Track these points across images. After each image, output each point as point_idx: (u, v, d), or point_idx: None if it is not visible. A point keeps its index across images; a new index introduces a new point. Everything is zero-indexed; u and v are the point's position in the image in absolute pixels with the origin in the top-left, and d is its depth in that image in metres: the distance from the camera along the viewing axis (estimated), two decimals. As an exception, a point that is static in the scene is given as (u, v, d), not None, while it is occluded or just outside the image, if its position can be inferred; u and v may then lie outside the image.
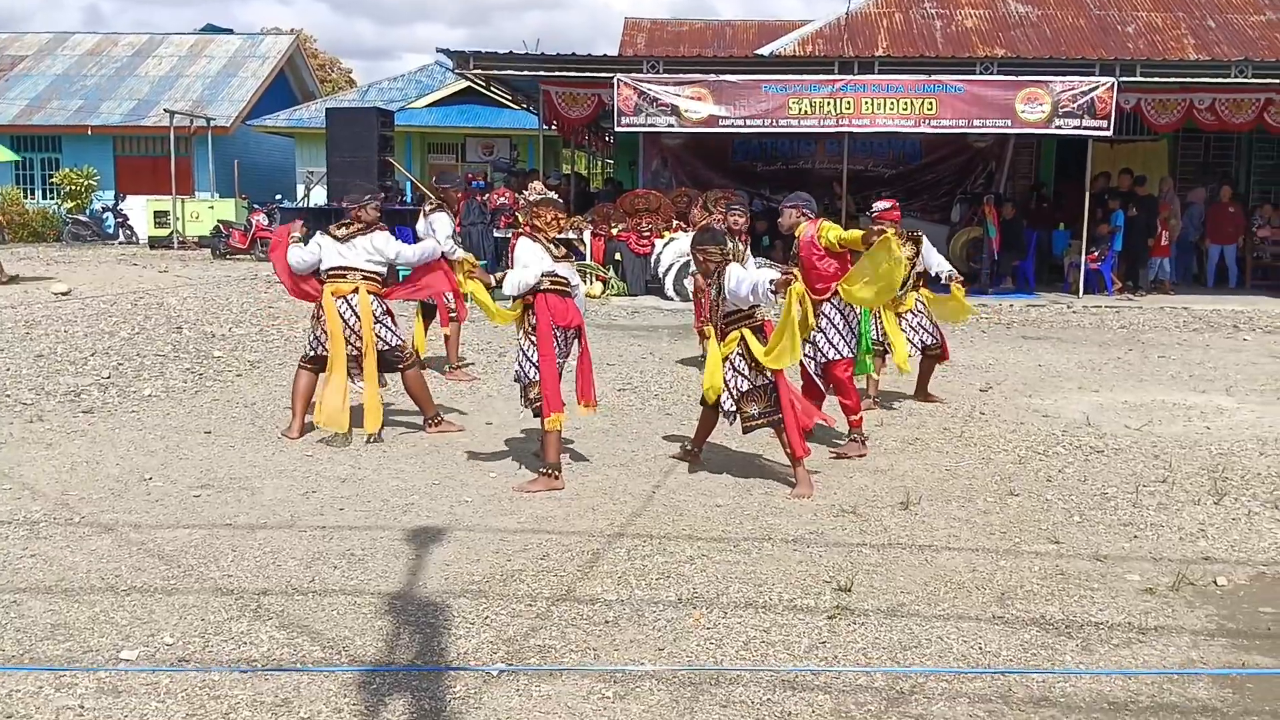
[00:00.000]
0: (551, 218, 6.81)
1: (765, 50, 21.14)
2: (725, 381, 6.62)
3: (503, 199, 19.14)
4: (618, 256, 17.14)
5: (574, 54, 17.72)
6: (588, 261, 17.15)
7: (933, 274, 9.20)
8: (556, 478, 6.56)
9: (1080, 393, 9.70)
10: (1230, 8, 22.35)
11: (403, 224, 18.15)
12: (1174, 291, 17.54)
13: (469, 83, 24.58)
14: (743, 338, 6.60)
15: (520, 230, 7.02)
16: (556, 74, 17.66)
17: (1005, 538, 5.69)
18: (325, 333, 7.66)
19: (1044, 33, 21.48)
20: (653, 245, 16.83)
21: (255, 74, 32.38)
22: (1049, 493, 6.51)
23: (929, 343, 9.05)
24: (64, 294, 15.65)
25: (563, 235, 7.05)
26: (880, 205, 8.91)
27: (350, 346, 7.65)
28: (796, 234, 7.70)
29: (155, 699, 3.81)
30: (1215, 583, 5.06)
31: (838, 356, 7.52)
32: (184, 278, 18.87)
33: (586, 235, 17.18)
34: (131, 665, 4.07)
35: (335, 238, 7.76)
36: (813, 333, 7.43)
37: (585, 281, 16.74)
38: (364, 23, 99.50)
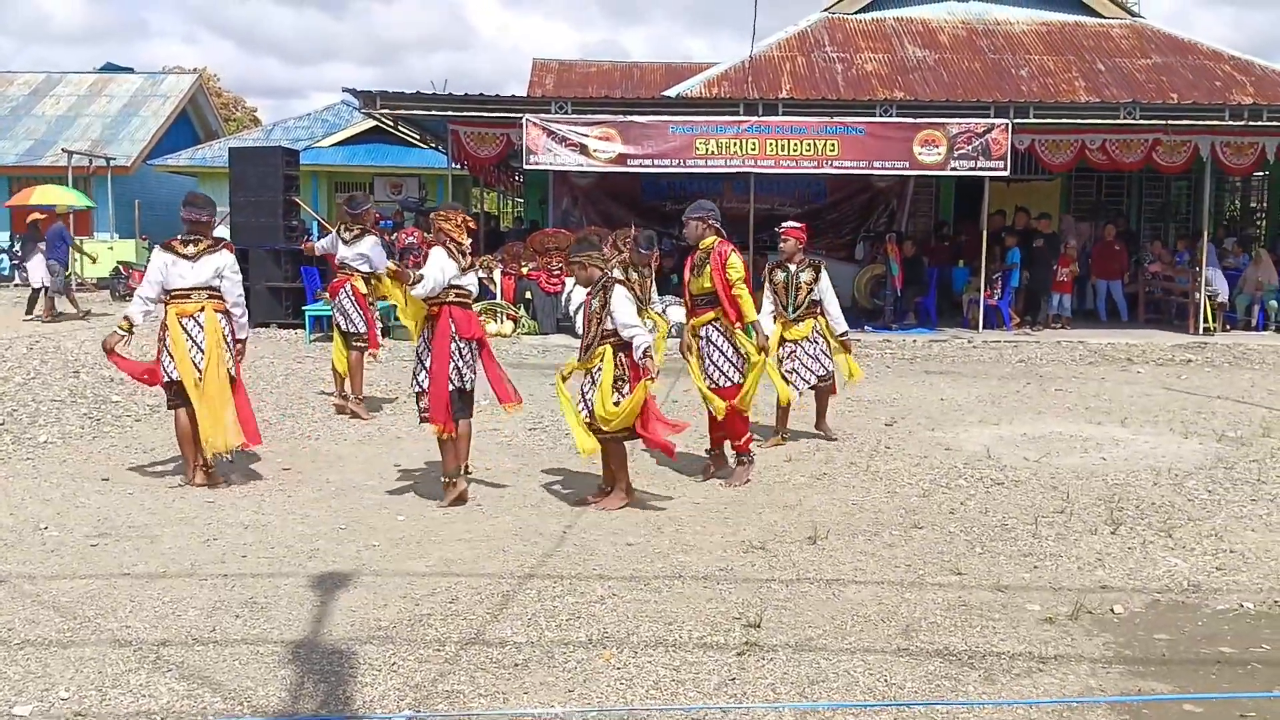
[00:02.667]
0: (460, 221, 7.04)
1: (672, 91, 21.41)
2: (583, 392, 6.85)
3: (411, 238, 19.02)
4: (528, 295, 17.14)
5: (482, 94, 17.73)
6: (498, 300, 17.11)
7: (827, 313, 9.11)
8: (456, 484, 6.88)
9: (981, 426, 9.92)
10: (1119, 52, 23.22)
11: (308, 264, 18.01)
12: (1069, 326, 18.05)
13: (376, 122, 24.46)
14: (604, 355, 6.75)
15: (431, 240, 7.17)
16: (465, 114, 17.65)
17: (910, 570, 5.78)
18: (171, 357, 7.45)
19: (940, 76, 22.07)
20: (563, 284, 16.84)
21: (156, 113, 31.85)
22: (952, 525, 6.64)
23: (821, 374, 9.06)
24: (-46, 338, 15.13)
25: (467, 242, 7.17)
26: (789, 223, 9.12)
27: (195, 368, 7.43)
28: (703, 245, 7.67)
29: (48, 757, 3.69)
30: (1112, 611, 5.19)
31: (727, 383, 7.58)
32: (81, 320, 18.38)
33: (497, 274, 17.16)
34: (23, 723, 3.94)
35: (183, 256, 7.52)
36: (703, 357, 7.66)
37: (496, 320, 16.76)
38: (271, 61, 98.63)
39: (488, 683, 4.31)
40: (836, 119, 17.04)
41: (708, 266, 7.58)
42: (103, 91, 32.96)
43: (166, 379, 7.55)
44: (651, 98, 20.70)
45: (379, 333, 10.72)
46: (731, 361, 7.60)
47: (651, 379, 6.61)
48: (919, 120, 16.96)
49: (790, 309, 9.03)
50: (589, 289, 6.94)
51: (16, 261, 27.43)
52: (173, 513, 6.81)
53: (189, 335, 7.46)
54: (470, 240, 7.22)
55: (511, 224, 26.61)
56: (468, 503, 7.05)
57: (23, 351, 13.91)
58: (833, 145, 16.81)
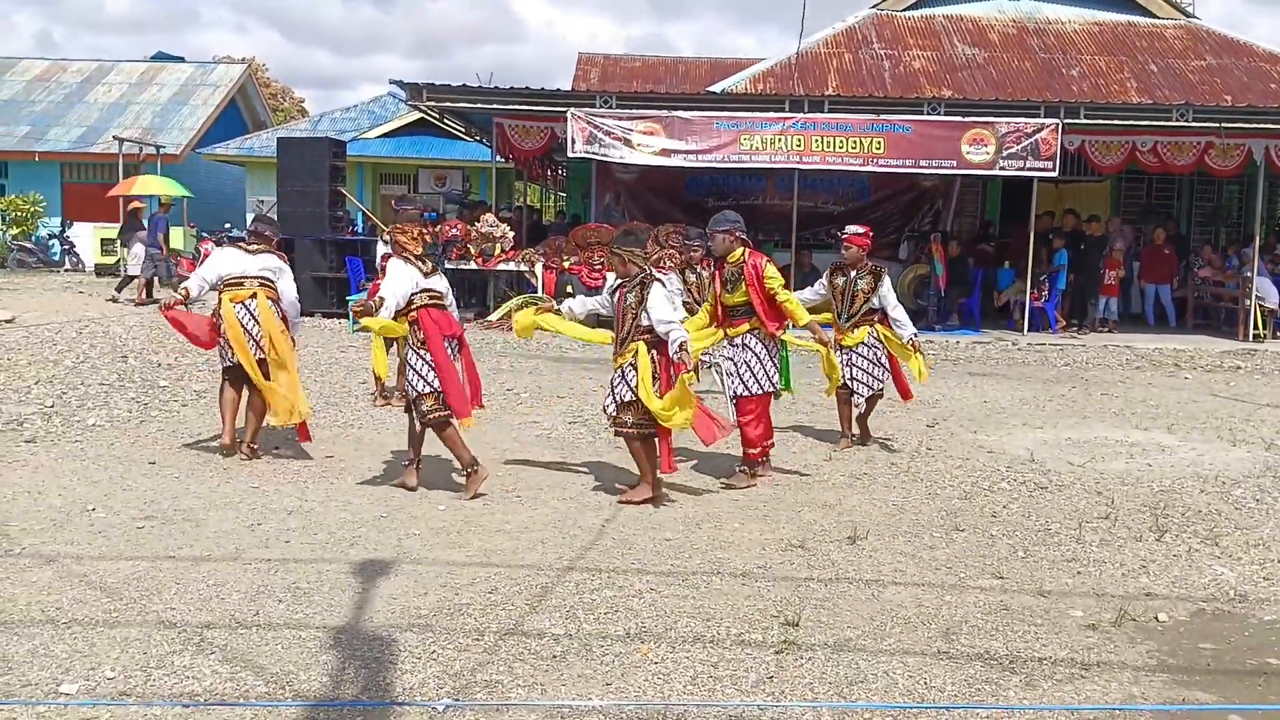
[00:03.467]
0: (416, 234, 7.29)
1: (717, 87, 21.38)
2: (612, 385, 6.87)
3: (454, 230, 19.12)
4: (569, 289, 17.16)
5: (527, 88, 17.80)
6: (539, 294, 17.15)
7: (891, 319, 8.75)
8: (479, 471, 7.03)
9: (1025, 429, 9.83)
10: (1172, 53, 22.92)
11: (353, 254, 18.14)
12: (1116, 330, 17.86)
13: (422, 114, 24.60)
14: (638, 351, 6.74)
15: (389, 253, 7.42)
16: (510, 107, 17.73)
17: (951, 573, 5.74)
18: (228, 344, 7.93)
19: (990, 75, 21.89)
20: (604, 278, 16.82)
21: (206, 102, 32.17)
22: (994, 528, 6.59)
23: (877, 387, 8.81)
24: (8, 322, 15.39)
25: (424, 250, 7.38)
26: (853, 229, 8.90)
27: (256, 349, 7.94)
28: (731, 259, 7.57)
29: (94, 735, 3.75)
30: (1156, 619, 5.13)
31: (759, 391, 7.52)
32: (130, 305, 18.63)
33: (538, 268, 17.21)
34: (71, 699, 4.00)
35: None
36: (735, 364, 7.57)
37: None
38: (320, 52, 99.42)
39: (526, 674, 4.33)
40: (883, 117, 16.95)
41: (742, 281, 7.49)
42: (154, 80, 33.34)
43: (226, 364, 8.07)
44: (696, 93, 20.72)
45: None
46: (766, 371, 7.52)
47: (689, 371, 6.59)
48: (967, 119, 16.83)
49: (845, 316, 8.80)
50: (623, 282, 6.95)
51: (68, 247, 27.87)
52: (218, 497, 6.89)
53: (242, 323, 7.88)
54: (428, 239, 7.55)
55: (554, 218, 26.66)
56: (507, 494, 7.09)
57: (72, 335, 14.13)
58: (878, 143, 16.72)
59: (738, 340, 7.63)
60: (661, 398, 6.60)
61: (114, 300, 19.15)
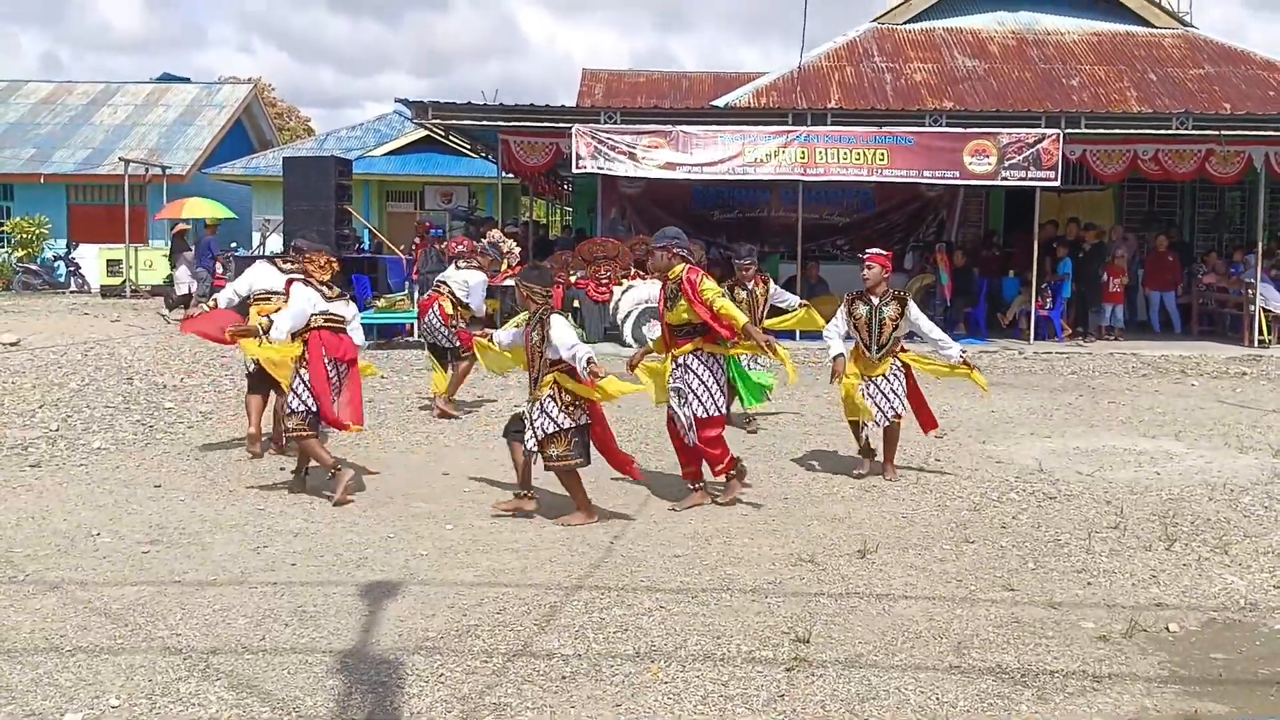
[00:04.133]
0: (324, 262, 7.80)
1: (721, 101, 21.41)
2: (532, 421, 6.86)
3: (461, 247, 19.12)
4: (576, 304, 17.16)
5: (532, 105, 17.82)
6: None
7: (934, 343, 8.37)
8: (341, 471, 7.45)
9: (1033, 438, 9.80)
10: (1171, 61, 22.92)
11: (360, 272, 18.16)
12: (1122, 337, 17.81)
13: (427, 131, 24.66)
14: (555, 382, 6.77)
15: (295, 277, 7.86)
16: (515, 124, 17.76)
17: (961, 586, 5.71)
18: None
19: (990, 86, 21.90)
20: (611, 292, 16.86)
21: (212, 122, 32.29)
22: (1004, 540, 6.56)
23: (893, 413, 8.18)
24: (13, 344, 15.42)
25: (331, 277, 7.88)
26: (874, 250, 8.40)
27: None
28: (671, 275, 7.29)
29: (100, 763, 3.72)
30: (1168, 629, 5.10)
31: (705, 414, 7.20)
32: (136, 327, 18.65)
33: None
34: (76, 728, 3.98)
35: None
36: (682, 388, 7.25)
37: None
38: (326, 71, 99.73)
39: (535, 695, 4.30)
40: (885, 129, 16.96)
41: (681, 298, 7.21)
42: (159, 101, 33.47)
43: (247, 369, 8.58)
44: (700, 107, 20.74)
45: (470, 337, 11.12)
46: (710, 392, 7.22)
47: (600, 379, 6.57)
48: (969, 130, 16.83)
49: (875, 349, 8.22)
50: (529, 318, 7.01)
51: (73, 269, 27.94)
52: (224, 519, 6.88)
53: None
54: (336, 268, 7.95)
55: (560, 232, 26.70)
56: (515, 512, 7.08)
57: (77, 358, 14.14)
58: (882, 155, 16.72)
59: (680, 360, 7.30)
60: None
61: (164, 318, 19.57)
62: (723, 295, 7.21)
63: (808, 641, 4.85)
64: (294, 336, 7.53)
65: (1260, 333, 17.16)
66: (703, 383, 7.22)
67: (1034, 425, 10.48)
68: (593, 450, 6.93)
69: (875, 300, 8.22)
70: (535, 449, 6.81)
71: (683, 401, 7.26)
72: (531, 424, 6.85)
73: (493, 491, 7.63)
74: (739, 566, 5.99)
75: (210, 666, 4.53)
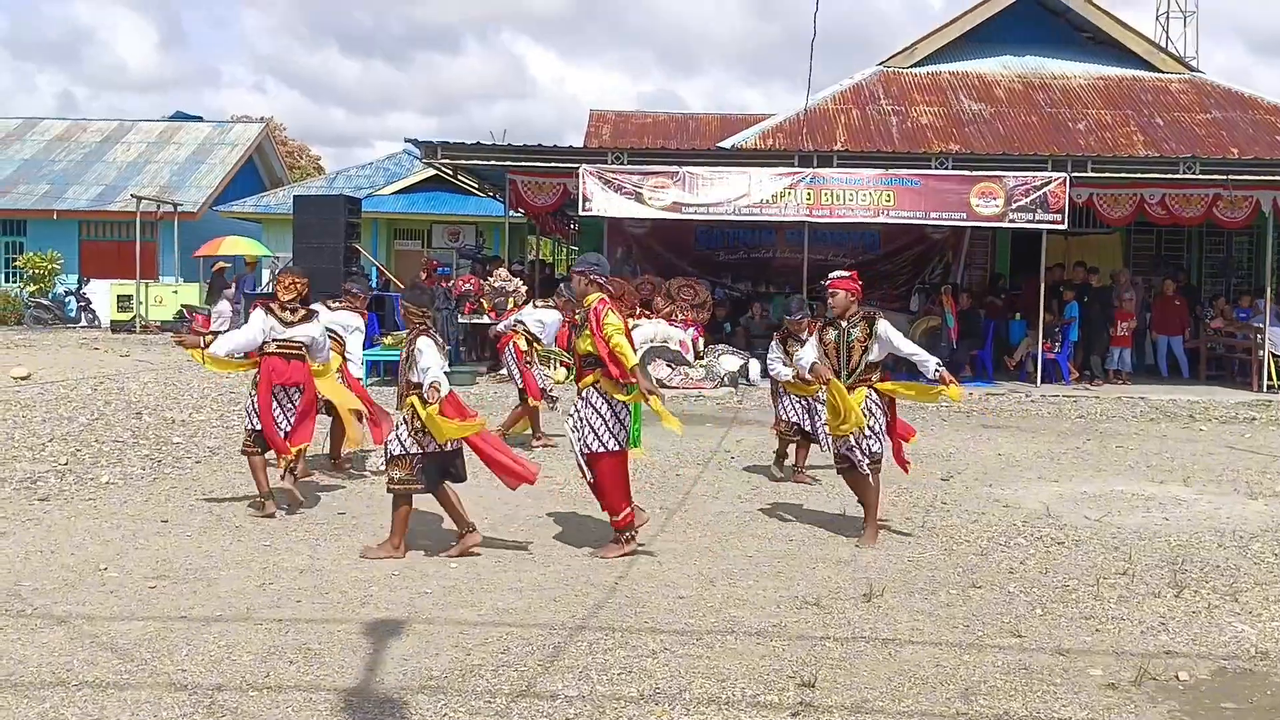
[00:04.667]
0: (288, 283, 8.20)
1: (727, 142, 21.55)
2: (387, 441, 7.10)
3: (467, 285, 19.23)
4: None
5: (539, 145, 17.95)
6: (552, 347, 17.17)
7: (912, 358, 7.82)
8: (269, 503, 7.89)
9: (1040, 482, 9.77)
10: (1178, 106, 23.04)
11: (368, 309, 18.21)
12: (1130, 381, 17.79)
13: (436, 171, 24.84)
14: (412, 405, 6.89)
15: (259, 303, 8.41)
16: (523, 164, 17.89)
17: (968, 631, 5.69)
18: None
19: (997, 130, 22.02)
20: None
21: (224, 161, 32.57)
22: (1011, 585, 6.53)
23: (874, 455, 7.59)
24: (24, 378, 15.48)
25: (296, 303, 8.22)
26: (837, 274, 7.87)
27: None
28: (586, 302, 7.12)
29: (104, 801, 3.71)
30: (1177, 677, 5.07)
31: (601, 449, 7.00)
32: (146, 362, 18.71)
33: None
34: (80, 765, 3.97)
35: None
36: (577, 420, 7.11)
37: (549, 366, 16.82)
38: (337, 111, 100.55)
39: (539, 736, 4.28)
40: (892, 171, 17.05)
41: (587, 327, 7.06)
42: (172, 139, 33.77)
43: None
44: (707, 149, 20.86)
45: (538, 387, 11.50)
46: (609, 427, 6.99)
47: (430, 403, 6.65)
48: (975, 173, 16.91)
49: (845, 374, 7.62)
50: (404, 343, 7.17)
51: (84, 304, 28.08)
52: (230, 556, 6.88)
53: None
54: (295, 298, 8.22)
55: (566, 271, 26.77)
56: (520, 551, 7.06)
57: (87, 392, 14.19)
58: (888, 196, 16.81)
59: (583, 393, 7.13)
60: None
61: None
62: (622, 333, 6.92)
63: (813, 686, 4.83)
64: (246, 356, 8.22)
65: (1269, 378, 17.13)
66: (600, 415, 7.00)
67: (1041, 469, 10.46)
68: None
69: (844, 324, 7.72)
70: (381, 468, 6.98)
71: (577, 435, 7.11)
72: (386, 444, 7.08)
73: (498, 530, 7.63)
74: (744, 609, 5.97)
75: (215, 703, 4.52)
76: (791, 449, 9.81)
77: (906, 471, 8.17)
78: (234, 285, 22.96)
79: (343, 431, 9.21)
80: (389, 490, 6.95)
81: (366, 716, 4.43)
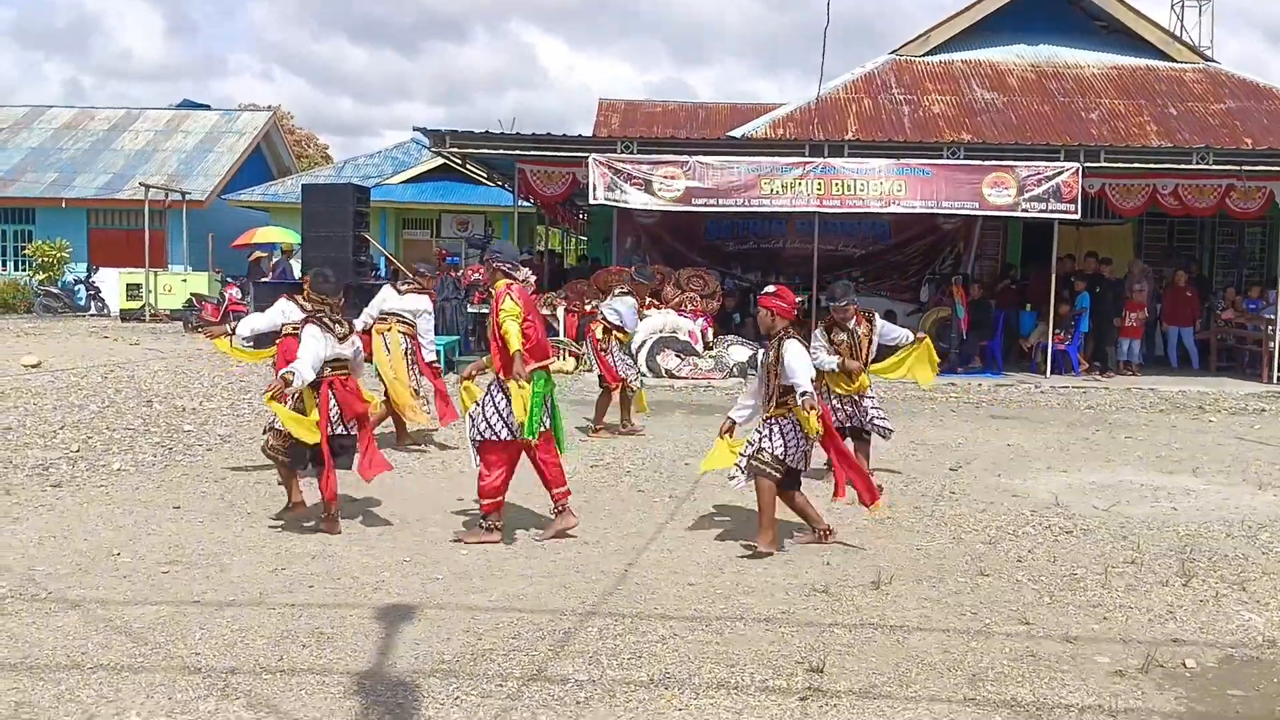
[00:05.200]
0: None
1: (738, 132, 21.52)
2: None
3: (476, 275, 19.24)
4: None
5: (549, 134, 17.95)
6: (561, 338, 17.22)
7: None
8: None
9: (1049, 473, 9.78)
10: (1192, 96, 22.95)
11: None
12: (1140, 373, 17.76)
13: (445, 160, 24.85)
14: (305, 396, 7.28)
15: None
16: (532, 153, 17.89)
17: (976, 619, 5.71)
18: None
19: (1009, 119, 21.96)
20: (625, 322, 16.89)
21: (231, 149, 32.59)
22: (1019, 573, 6.55)
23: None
24: (34, 366, 15.54)
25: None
26: (766, 290, 7.38)
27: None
28: (495, 288, 7.12)
29: (119, 781, 3.75)
30: (1184, 665, 5.08)
31: (493, 437, 6.96)
32: (155, 350, 18.77)
33: (560, 311, 17.28)
34: (96, 746, 4.01)
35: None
36: (478, 407, 7.03)
37: (559, 357, 16.86)
38: (344, 99, 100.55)
39: (550, 720, 4.32)
40: (903, 160, 17.01)
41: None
42: (180, 127, 33.80)
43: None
44: (717, 138, 20.84)
45: (616, 373, 11.45)
46: (501, 415, 6.92)
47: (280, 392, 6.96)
48: (987, 163, 16.87)
49: (765, 400, 7.25)
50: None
51: (93, 292, 28.16)
52: (242, 541, 6.92)
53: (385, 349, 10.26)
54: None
55: (575, 261, 26.82)
56: (530, 538, 7.10)
57: (98, 380, 14.25)
58: (899, 186, 16.76)
59: (493, 382, 7.08)
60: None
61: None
62: (515, 319, 6.86)
63: (821, 671, 4.85)
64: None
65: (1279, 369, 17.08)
66: (495, 405, 6.95)
67: (1050, 459, 10.46)
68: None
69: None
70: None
71: (472, 420, 7.07)
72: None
73: (509, 517, 7.66)
74: (752, 596, 6.00)
75: (229, 686, 4.56)
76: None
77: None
78: (270, 274, 23.04)
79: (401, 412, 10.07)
80: (262, 450, 7.58)
81: (379, 699, 4.46)
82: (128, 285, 27.11)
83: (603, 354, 11.59)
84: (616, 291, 12.30)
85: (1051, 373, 17.28)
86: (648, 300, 17.08)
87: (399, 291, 10.50)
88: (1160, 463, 10.39)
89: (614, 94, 53.21)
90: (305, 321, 7.33)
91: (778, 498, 6.98)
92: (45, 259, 28.57)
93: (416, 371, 10.39)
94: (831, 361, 8.86)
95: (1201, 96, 22.96)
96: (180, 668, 4.75)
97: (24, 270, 29.50)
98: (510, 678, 4.73)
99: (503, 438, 6.95)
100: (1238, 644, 5.42)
